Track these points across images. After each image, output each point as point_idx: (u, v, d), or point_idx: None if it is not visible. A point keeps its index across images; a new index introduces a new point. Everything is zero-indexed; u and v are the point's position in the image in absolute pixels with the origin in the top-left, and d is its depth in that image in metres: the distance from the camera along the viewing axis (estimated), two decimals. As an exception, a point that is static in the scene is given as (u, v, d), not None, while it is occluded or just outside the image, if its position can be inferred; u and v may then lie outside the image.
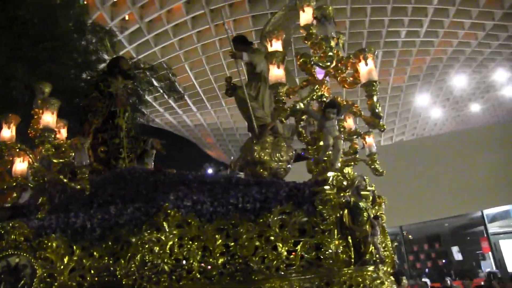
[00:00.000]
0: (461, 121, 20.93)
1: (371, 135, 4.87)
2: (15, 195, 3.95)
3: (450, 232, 16.65)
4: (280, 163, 4.74)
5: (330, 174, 3.24)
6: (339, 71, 3.72)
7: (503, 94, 16.62)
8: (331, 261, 3.05)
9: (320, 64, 3.36)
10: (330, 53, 3.43)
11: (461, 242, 16.44)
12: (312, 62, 3.38)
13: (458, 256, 16.06)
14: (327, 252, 3.06)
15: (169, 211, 3.36)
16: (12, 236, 3.49)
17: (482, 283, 13.08)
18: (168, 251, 3.26)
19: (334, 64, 3.47)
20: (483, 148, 14.55)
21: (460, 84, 17.96)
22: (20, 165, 4.04)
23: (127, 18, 14.08)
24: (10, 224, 3.50)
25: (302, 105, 3.36)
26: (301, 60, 3.45)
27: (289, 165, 4.85)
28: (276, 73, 3.45)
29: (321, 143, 3.56)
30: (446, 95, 19.00)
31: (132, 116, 5.66)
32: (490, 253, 14.83)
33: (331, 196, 3.14)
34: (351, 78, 3.73)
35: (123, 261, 3.37)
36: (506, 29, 15.32)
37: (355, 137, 4.61)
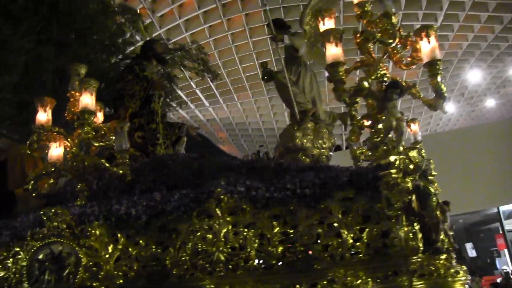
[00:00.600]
0: (476, 117, 20.65)
1: (417, 122, 4.70)
2: (51, 181, 3.76)
3: (464, 228, 16.45)
4: (322, 150, 4.58)
5: (393, 157, 3.05)
6: (395, 51, 3.53)
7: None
8: (399, 249, 2.86)
9: (384, 41, 3.17)
10: (391, 31, 3.24)
11: (475, 239, 16.25)
12: (375, 40, 3.19)
13: (472, 253, 15.88)
14: (395, 240, 2.87)
15: (222, 196, 3.18)
16: (55, 223, 3.33)
17: (498, 280, 12.95)
18: (222, 239, 3.07)
19: (395, 42, 3.28)
20: (499, 143, 14.34)
21: (475, 79, 17.70)
22: (56, 150, 3.86)
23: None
24: (53, 211, 3.33)
25: (366, 84, 3.16)
26: (361, 38, 3.26)
27: (331, 153, 4.68)
28: (333, 51, 3.25)
29: (380, 125, 3.38)
30: (460, 90, 18.73)
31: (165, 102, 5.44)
32: (506, 250, 14.65)
33: (398, 181, 2.95)
34: (408, 59, 3.54)
35: (172, 250, 3.19)
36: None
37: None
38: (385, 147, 3.22)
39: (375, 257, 2.91)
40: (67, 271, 3.19)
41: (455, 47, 16.13)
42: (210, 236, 3.11)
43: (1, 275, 3.52)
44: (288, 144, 4.56)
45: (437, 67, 3.22)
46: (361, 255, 2.92)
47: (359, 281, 2.86)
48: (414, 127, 4.67)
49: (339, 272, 2.93)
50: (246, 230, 3.11)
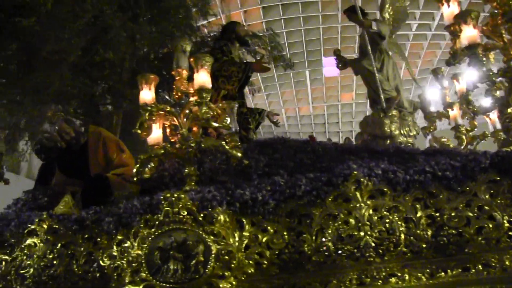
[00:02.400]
0: (471, 116, 21.25)
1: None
2: (152, 165, 3.53)
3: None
4: (408, 138, 4.51)
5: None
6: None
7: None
8: (558, 232, 2.80)
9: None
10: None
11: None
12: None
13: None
14: (552, 222, 2.80)
15: (362, 179, 3.04)
16: (175, 209, 3.11)
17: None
18: (367, 223, 2.93)
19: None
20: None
21: (472, 79, 18.05)
22: (156, 132, 3.63)
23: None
24: (175, 195, 3.11)
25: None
26: (504, 19, 3.18)
27: (415, 140, 4.63)
28: (470, 33, 3.17)
29: (509, 109, 3.32)
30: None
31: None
32: None
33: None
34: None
35: (309, 236, 3.03)
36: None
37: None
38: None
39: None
40: (195, 260, 2.98)
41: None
42: (352, 220, 2.97)
43: (108, 263, 3.28)
44: (375, 131, 4.46)
45: None
46: (517, 238, 2.83)
47: (516, 264, 2.79)
48: (493, 116, 4.69)
49: (493, 257, 2.85)
50: (388, 213, 2.98)
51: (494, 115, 4.69)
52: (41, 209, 3.95)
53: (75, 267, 3.39)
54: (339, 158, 3.51)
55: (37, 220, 3.57)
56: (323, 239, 2.97)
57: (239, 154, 3.33)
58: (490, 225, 2.84)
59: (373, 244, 2.88)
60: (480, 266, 2.84)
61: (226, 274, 2.95)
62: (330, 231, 2.97)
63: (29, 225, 3.60)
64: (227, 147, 3.30)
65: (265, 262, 3.02)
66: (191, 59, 3.41)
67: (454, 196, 3.00)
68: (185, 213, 3.10)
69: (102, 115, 6.21)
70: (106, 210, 3.47)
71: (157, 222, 3.14)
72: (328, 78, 17.88)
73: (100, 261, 3.35)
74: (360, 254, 2.89)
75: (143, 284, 3.03)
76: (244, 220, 3.14)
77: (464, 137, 4.56)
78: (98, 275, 3.34)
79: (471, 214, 2.90)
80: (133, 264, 3.10)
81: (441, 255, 2.92)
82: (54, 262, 3.43)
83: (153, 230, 3.13)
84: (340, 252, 2.92)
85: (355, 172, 3.08)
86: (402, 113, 4.55)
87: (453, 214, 2.92)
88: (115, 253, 3.31)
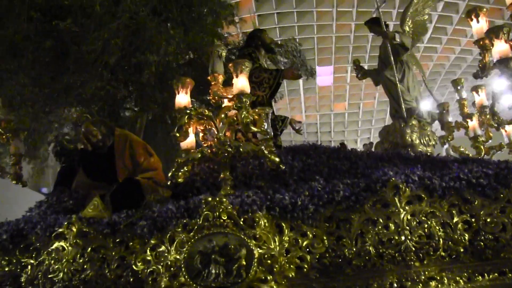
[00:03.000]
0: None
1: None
2: (186, 169, 3.53)
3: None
4: (427, 148, 4.62)
5: None
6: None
7: (501, 103, 17.32)
8: None
9: None
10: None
11: None
12: None
13: None
14: None
15: (400, 185, 3.12)
16: (216, 213, 3.12)
17: None
18: (407, 228, 3.01)
19: None
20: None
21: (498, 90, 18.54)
22: (190, 136, 3.64)
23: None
24: (217, 199, 3.12)
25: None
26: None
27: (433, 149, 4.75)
28: (501, 48, 3.31)
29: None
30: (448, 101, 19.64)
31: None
32: None
33: None
34: None
35: (349, 240, 3.08)
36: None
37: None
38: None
39: None
40: (237, 264, 2.99)
41: (443, 59, 16.90)
42: (392, 225, 3.04)
43: (141, 268, 3.25)
44: (396, 140, 4.57)
45: None
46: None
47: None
48: (510, 128, 4.84)
49: None
50: (425, 219, 3.06)
51: (510, 127, 4.85)
52: (67, 212, 3.89)
53: (107, 271, 3.35)
54: (373, 164, 3.58)
55: (66, 223, 3.51)
56: (364, 243, 3.02)
57: (277, 159, 3.36)
58: (525, 231, 2.95)
59: (413, 248, 2.95)
60: (516, 270, 2.94)
61: (269, 278, 2.97)
62: (370, 236, 3.02)
63: (57, 228, 3.54)
64: (266, 152, 3.32)
65: (306, 266, 3.05)
66: (230, 65, 3.44)
67: (488, 202, 3.10)
68: (226, 217, 3.11)
69: (124, 119, 6.14)
70: (139, 213, 3.44)
71: (196, 227, 3.14)
72: (321, 87, 18.16)
73: (134, 266, 3.30)
74: (401, 258, 2.96)
75: (183, 288, 3.02)
76: (283, 225, 3.16)
77: (482, 147, 4.74)
78: (131, 279, 3.30)
79: (506, 220, 3.00)
80: (172, 269, 3.09)
81: (477, 260, 3.01)
82: (85, 266, 3.37)
83: (191, 234, 3.13)
84: (381, 256, 2.97)
85: (393, 179, 3.15)
86: (421, 123, 4.68)
87: (488, 220, 3.02)
88: (149, 258, 3.27)
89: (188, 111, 3.34)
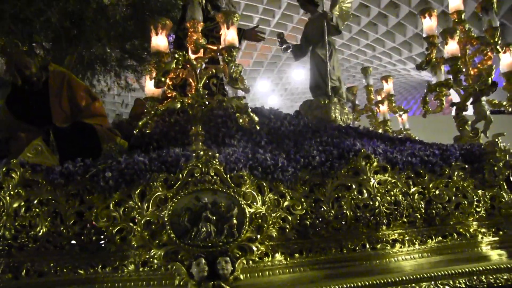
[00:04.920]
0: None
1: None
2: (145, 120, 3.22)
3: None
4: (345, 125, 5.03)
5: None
6: None
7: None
8: (504, 210, 3.62)
9: None
10: None
11: None
12: None
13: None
14: (502, 201, 3.61)
15: (371, 156, 3.38)
16: (204, 169, 2.93)
17: None
18: (378, 194, 3.28)
19: None
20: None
21: (298, 78, 20.19)
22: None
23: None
24: (210, 154, 2.94)
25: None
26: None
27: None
28: (452, 47, 3.81)
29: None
30: (284, 86, 21.01)
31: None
32: None
33: (501, 157, 3.70)
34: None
35: (326, 204, 3.22)
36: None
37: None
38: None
39: (488, 216, 3.60)
40: (228, 223, 2.87)
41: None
42: (365, 191, 3.28)
43: (104, 225, 2.88)
44: (320, 115, 4.84)
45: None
46: (481, 213, 3.56)
47: (479, 234, 3.53)
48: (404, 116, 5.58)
49: (467, 225, 3.53)
50: (391, 187, 3.38)
51: (405, 116, 5.57)
52: (-7, 157, 3.18)
53: (62, 228, 2.88)
54: (334, 134, 3.79)
55: (4, 169, 2.90)
56: (341, 207, 3.19)
57: (256, 118, 3.28)
58: (465, 202, 3.50)
59: (385, 213, 3.24)
60: (455, 234, 3.47)
61: (258, 237, 2.93)
62: (345, 200, 3.21)
63: (-12, 175, 2.90)
64: (248, 109, 3.23)
65: (288, 226, 3.08)
66: (219, 15, 3.21)
67: (435, 177, 3.58)
68: (213, 173, 2.95)
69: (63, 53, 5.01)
70: (103, 163, 3.02)
71: (179, 182, 2.91)
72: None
73: (95, 223, 2.91)
74: (375, 221, 3.22)
75: (166, 248, 2.79)
76: (264, 184, 3.13)
77: (390, 130, 5.37)
78: (94, 238, 2.91)
79: (450, 193, 3.51)
80: (153, 227, 2.81)
81: (428, 225, 3.46)
82: (33, 221, 2.85)
83: (173, 190, 2.89)
84: (357, 219, 3.19)
85: (364, 149, 3.40)
86: (341, 102, 5.04)
87: (437, 192, 3.49)
88: (114, 214, 2.92)
89: (177, 56, 3.03)
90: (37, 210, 2.87)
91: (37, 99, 3.42)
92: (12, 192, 2.88)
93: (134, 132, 3.16)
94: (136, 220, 2.87)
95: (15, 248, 2.80)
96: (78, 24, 4.58)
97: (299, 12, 16.73)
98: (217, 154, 2.95)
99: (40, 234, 2.82)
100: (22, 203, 2.88)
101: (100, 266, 2.91)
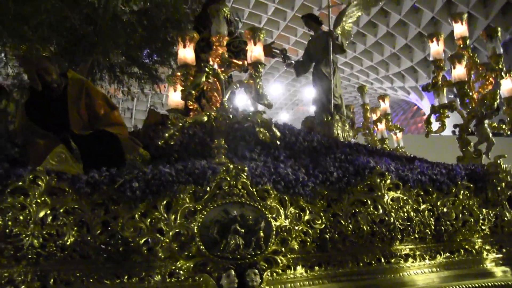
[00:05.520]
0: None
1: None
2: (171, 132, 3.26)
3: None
4: (347, 141, 5.16)
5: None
6: None
7: (309, 109, 19.84)
8: (506, 228, 3.81)
9: None
10: None
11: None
12: None
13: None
14: (505, 219, 3.80)
15: (386, 173, 3.51)
16: (233, 182, 2.99)
17: None
18: (392, 210, 3.41)
19: None
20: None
21: (276, 92, 20.47)
22: (176, 95, 3.36)
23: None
24: (239, 167, 3.00)
25: None
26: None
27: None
28: (459, 72, 4.02)
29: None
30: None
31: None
32: None
33: (503, 178, 3.91)
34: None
35: (343, 219, 3.32)
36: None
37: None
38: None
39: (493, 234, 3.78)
40: (256, 236, 2.92)
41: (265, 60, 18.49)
42: (380, 207, 3.40)
43: (131, 235, 2.88)
44: (323, 131, 4.97)
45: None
46: (486, 231, 3.74)
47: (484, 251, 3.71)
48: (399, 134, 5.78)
49: (472, 242, 3.70)
50: (403, 204, 3.52)
51: (399, 134, 5.78)
52: (14, 163, 3.14)
53: (89, 237, 2.87)
54: (346, 151, 3.91)
55: (30, 176, 2.87)
56: (358, 222, 3.30)
57: (278, 134, 3.36)
58: (471, 219, 3.67)
59: (399, 229, 3.37)
60: (461, 250, 3.64)
61: (283, 250, 3.00)
62: (361, 216, 3.32)
63: (14, 181, 2.86)
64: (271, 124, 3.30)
65: (308, 240, 3.16)
66: (246, 31, 3.29)
67: (442, 195, 3.74)
68: (241, 187, 3.01)
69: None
70: (130, 174, 3.02)
71: (207, 195, 2.96)
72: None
73: (122, 233, 2.90)
74: (390, 236, 3.35)
75: (195, 259, 2.83)
76: (286, 199, 3.20)
77: (388, 148, 5.54)
78: (121, 248, 2.90)
79: (456, 211, 3.67)
80: (182, 238, 2.84)
81: (436, 241, 3.60)
82: (59, 230, 2.82)
83: (202, 202, 2.94)
84: (374, 234, 3.31)
85: (378, 167, 3.53)
86: (342, 119, 5.19)
87: (445, 210, 3.65)
88: (141, 225, 2.93)
89: (207, 69, 3.09)
90: (64, 219, 2.84)
91: (55, 105, 3.39)
92: (39, 200, 2.84)
93: (159, 143, 3.18)
94: (164, 231, 2.88)
95: (43, 257, 2.76)
96: (98, 31, 4.56)
97: (303, 26, 17.03)
98: (246, 168, 3.01)
99: (68, 243, 2.79)
100: (48, 212, 2.85)
101: (126, 277, 2.89)
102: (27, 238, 2.73)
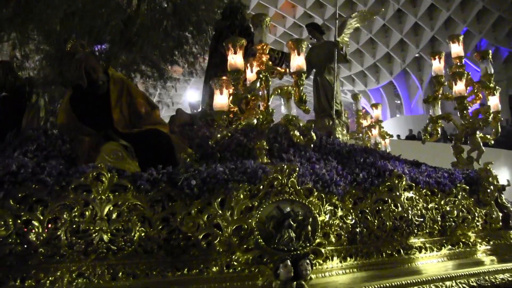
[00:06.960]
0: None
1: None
2: (225, 132, 3.46)
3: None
4: (345, 145, 5.56)
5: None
6: None
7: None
8: (493, 225, 4.38)
9: None
10: None
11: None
12: None
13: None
14: (493, 217, 4.37)
15: (403, 175, 3.93)
16: (284, 181, 3.24)
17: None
18: (409, 208, 3.83)
19: None
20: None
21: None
22: (222, 98, 3.54)
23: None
24: (292, 167, 3.25)
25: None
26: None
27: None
28: (460, 87, 4.56)
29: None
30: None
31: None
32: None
33: (492, 181, 4.48)
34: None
35: (369, 215, 3.69)
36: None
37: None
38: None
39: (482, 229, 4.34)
40: (305, 230, 3.19)
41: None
42: (399, 205, 3.81)
43: (191, 230, 3.04)
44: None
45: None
46: (478, 226, 4.28)
47: (477, 243, 4.24)
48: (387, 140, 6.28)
49: (468, 236, 4.22)
50: (416, 203, 3.95)
51: (387, 140, 6.29)
52: (68, 159, 3.17)
53: (153, 233, 2.99)
54: (364, 155, 4.28)
55: (94, 173, 2.94)
56: (382, 218, 3.68)
57: (315, 137, 3.65)
58: (461, 214, 4.18)
59: (415, 224, 3.80)
60: (460, 243, 4.15)
61: (326, 242, 3.31)
62: (384, 213, 3.71)
63: (77, 178, 2.93)
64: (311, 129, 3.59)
65: (343, 233, 3.50)
66: (290, 42, 3.53)
67: (444, 196, 4.23)
68: (290, 185, 3.27)
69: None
70: (186, 171, 3.18)
71: (261, 192, 3.19)
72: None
73: (181, 228, 3.06)
74: (408, 230, 3.77)
75: (254, 252, 3.06)
76: (323, 196, 3.51)
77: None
78: (181, 243, 3.05)
79: (457, 210, 4.17)
80: (242, 233, 3.06)
81: (441, 235, 4.08)
82: (125, 226, 2.93)
83: (257, 199, 3.16)
84: (396, 229, 3.71)
85: (396, 170, 3.94)
86: (341, 124, 5.57)
87: (448, 208, 4.13)
88: (199, 220, 3.10)
89: (262, 75, 3.31)
90: (128, 215, 2.94)
91: (98, 102, 3.43)
92: (103, 197, 2.92)
93: (210, 142, 3.35)
94: (221, 226, 3.07)
95: (112, 252, 2.85)
96: (137, 31, 4.56)
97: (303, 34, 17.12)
98: (297, 168, 3.27)
99: (135, 238, 2.90)
100: (111, 208, 2.94)
101: (186, 270, 3.04)
102: (96, 234, 2.81)
